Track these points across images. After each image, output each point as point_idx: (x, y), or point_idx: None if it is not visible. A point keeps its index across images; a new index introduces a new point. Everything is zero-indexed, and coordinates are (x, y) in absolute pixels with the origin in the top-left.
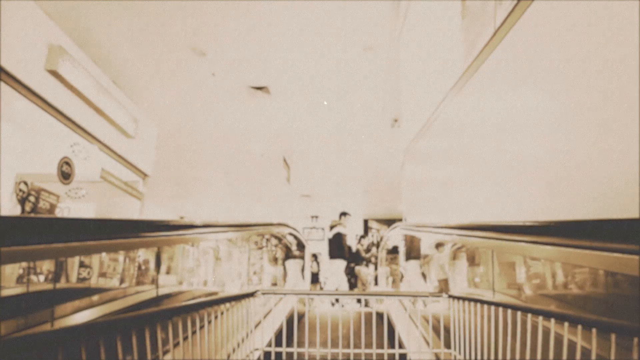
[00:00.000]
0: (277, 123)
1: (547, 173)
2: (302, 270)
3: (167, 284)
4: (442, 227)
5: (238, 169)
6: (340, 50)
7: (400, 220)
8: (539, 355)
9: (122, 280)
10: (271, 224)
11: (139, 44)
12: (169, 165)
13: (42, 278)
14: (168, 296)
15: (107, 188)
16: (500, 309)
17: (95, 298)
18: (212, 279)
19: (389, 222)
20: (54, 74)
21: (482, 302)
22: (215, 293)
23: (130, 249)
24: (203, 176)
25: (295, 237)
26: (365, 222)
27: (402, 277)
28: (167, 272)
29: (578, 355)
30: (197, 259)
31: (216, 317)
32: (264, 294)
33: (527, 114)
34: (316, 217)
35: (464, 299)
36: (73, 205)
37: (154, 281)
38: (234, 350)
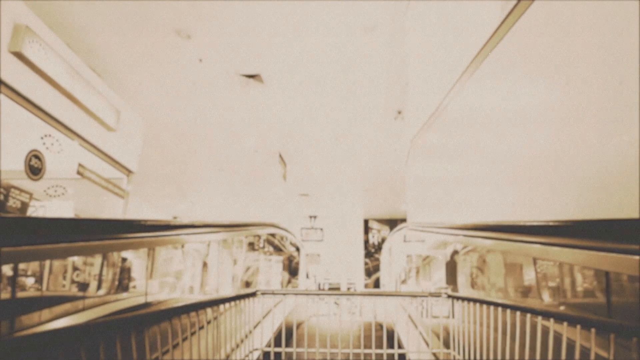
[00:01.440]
0: (271, 116)
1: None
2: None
3: (149, 292)
4: (474, 229)
5: (232, 166)
6: (339, 31)
7: (404, 220)
8: (538, 355)
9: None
10: (254, 224)
11: (118, 27)
12: (158, 161)
13: None
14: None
15: (91, 186)
16: (500, 309)
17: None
18: (201, 283)
19: (390, 222)
20: (19, 56)
21: (482, 302)
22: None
23: (73, 255)
24: (196, 174)
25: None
26: (366, 222)
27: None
28: (150, 277)
29: (577, 354)
30: (184, 262)
31: (216, 318)
32: (263, 294)
33: (556, 98)
34: (314, 217)
35: (463, 298)
36: (51, 204)
37: (123, 289)
38: (232, 350)
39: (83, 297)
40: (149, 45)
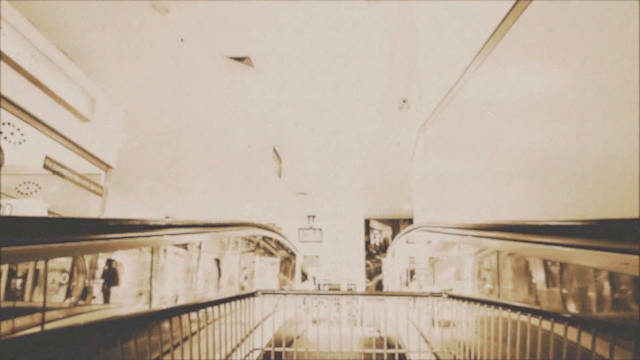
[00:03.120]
0: (264, 105)
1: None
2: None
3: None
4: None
5: (223, 162)
6: (338, 4)
7: (407, 220)
8: (538, 355)
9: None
10: (232, 225)
11: (88, 4)
12: (144, 157)
13: None
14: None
15: (70, 182)
16: (500, 309)
17: None
18: (185, 289)
19: (392, 223)
20: None
21: (482, 302)
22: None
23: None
24: (185, 171)
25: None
26: (367, 222)
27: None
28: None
29: (577, 355)
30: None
31: (216, 319)
32: (263, 294)
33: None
34: (313, 216)
35: (463, 298)
36: (20, 203)
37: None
38: (233, 350)
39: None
40: (124, 24)
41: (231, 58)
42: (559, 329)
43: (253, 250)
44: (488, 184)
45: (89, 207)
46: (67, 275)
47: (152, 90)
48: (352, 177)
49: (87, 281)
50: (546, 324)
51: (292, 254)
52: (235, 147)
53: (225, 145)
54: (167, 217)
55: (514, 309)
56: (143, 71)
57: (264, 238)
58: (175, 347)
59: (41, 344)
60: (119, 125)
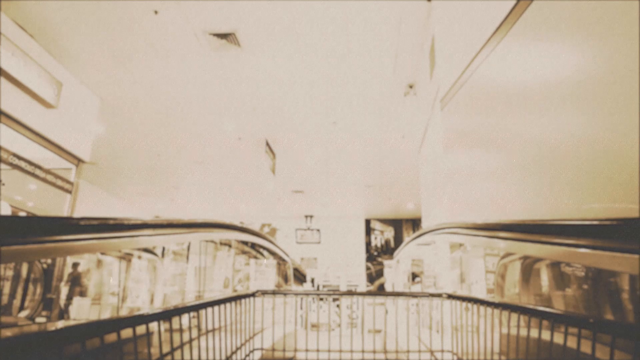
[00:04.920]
0: (253, 92)
1: None
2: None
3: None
4: None
5: (212, 157)
6: None
7: (411, 220)
8: (538, 355)
9: None
10: (194, 225)
11: None
12: (125, 151)
13: None
14: None
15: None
16: (500, 310)
17: None
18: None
19: (395, 223)
20: None
21: (482, 302)
22: None
23: None
24: (171, 167)
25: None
26: (367, 222)
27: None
28: (82, 295)
29: (577, 355)
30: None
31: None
32: (263, 293)
33: None
34: (311, 216)
35: (463, 298)
36: None
37: None
38: (233, 352)
39: None
40: None
41: (214, 35)
42: (560, 329)
43: (246, 253)
44: (532, 171)
45: (59, 205)
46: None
47: (128, 75)
48: (352, 173)
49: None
50: (546, 324)
51: (283, 260)
52: (225, 140)
53: (213, 138)
54: (156, 217)
55: (514, 309)
56: (116, 51)
57: (253, 245)
58: (175, 349)
59: None
60: (92, 114)
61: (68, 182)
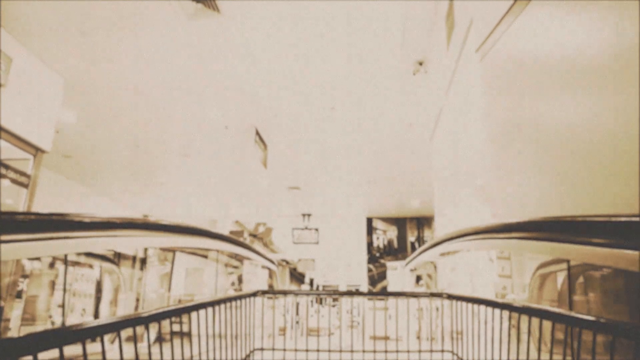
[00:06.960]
0: (238, 70)
1: None
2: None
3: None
4: None
5: (198, 149)
6: None
7: (415, 218)
8: (538, 355)
9: None
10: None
11: None
12: (100, 141)
13: None
14: None
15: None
16: (500, 310)
17: None
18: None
19: (398, 222)
20: None
21: (481, 302)
22: None
23: None
24: (155, 161)
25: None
26: (369, 221)
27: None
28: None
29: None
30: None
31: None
32: (263, 293)
33: None
34: (308, 215)
35: (462, 298)
36: None
37: None
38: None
39: None
40: None
41: None
42: (560, 329)
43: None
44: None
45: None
46: None
47: (96, 50)
48: (353, 168)
49: None
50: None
51: (268, 268)
52: (210, 129)
53: (197, 128)
54: (145, 216)
55: (514, 309)
56: (77, 22)
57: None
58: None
59: None
60: (54, 97)
61: (23, 174)
